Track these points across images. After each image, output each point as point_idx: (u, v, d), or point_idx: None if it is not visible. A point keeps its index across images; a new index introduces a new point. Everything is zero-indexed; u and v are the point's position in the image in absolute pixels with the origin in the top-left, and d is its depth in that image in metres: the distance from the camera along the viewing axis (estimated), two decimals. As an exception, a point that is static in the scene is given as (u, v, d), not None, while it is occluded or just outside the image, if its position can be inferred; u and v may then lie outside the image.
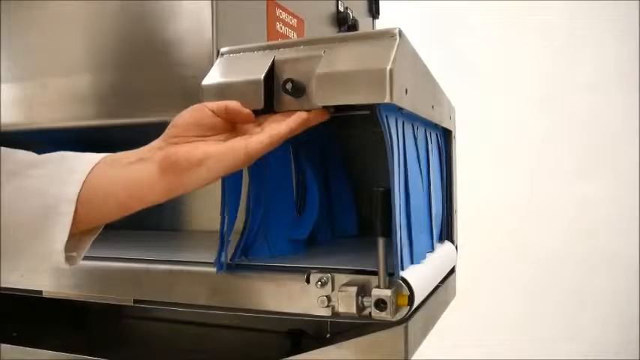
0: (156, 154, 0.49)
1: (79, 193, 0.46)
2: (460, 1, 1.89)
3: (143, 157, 0.50)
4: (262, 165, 0.64)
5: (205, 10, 0.69)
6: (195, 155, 0.49)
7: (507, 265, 1.87)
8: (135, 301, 0.67)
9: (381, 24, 1.29)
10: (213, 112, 0.53)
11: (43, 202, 0.46)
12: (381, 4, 1.30)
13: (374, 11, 1.28)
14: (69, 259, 0.48)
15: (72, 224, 0.46)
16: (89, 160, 0.49)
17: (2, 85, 0.79)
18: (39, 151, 0.50)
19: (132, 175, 0.48)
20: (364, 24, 1.18)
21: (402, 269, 0.56)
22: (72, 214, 0.46)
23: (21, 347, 0.77)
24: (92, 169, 0.48)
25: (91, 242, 0.51)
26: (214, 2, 0.68)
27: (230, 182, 0.62)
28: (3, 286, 0.73)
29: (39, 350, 0.76)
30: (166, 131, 0.52)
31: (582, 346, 1.77)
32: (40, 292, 0.73)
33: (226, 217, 0.62)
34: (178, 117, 0.53)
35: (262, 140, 0.51)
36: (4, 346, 0.77)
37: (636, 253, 1.75)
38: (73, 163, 0.48)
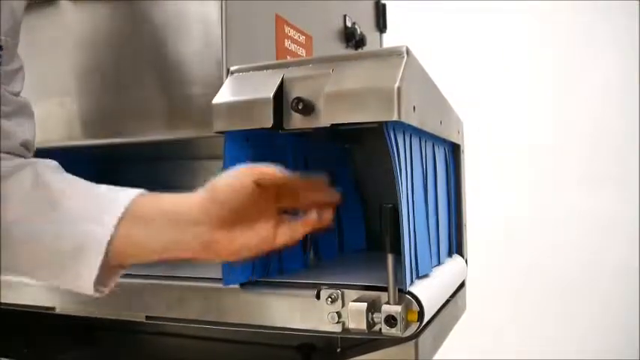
0: (196, 238, 0.50)
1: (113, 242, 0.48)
2: (466, 10, 1.91)
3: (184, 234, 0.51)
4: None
5: (215, 29, 0.70)
6: (234, 248, 0.51)
7: (508, 271, 1.86)
8: (147, 318, 0.68)
9: (388, 38, 1.30)
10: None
11: (75, 240, 0.48)
12: (388, 18, 1.30)
13: (381, 26, 1.29)
14: (97, 291, 0.50)
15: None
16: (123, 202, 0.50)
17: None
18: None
19: (170, 240, 0.50)
20: (372, 39, 1.19)
21: (411, 284, 0.56)
22: (101, 258, 0.48)
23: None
24: (130, 217, 0.49)
25: (120, 275, 0.53)
26: (224, 20, 0.69)
27: None
28: (17, 302, 0.74)
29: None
30: (210, 208, 0.50)
31: (583, 348, 1.76)
32: (54, 308, 0.73)
33: None
34: (222, 194, 0.51)
35: (288, 238, 0.52)
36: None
37: (636, 257, 1.75)
38: (108, 207, 0.49)
